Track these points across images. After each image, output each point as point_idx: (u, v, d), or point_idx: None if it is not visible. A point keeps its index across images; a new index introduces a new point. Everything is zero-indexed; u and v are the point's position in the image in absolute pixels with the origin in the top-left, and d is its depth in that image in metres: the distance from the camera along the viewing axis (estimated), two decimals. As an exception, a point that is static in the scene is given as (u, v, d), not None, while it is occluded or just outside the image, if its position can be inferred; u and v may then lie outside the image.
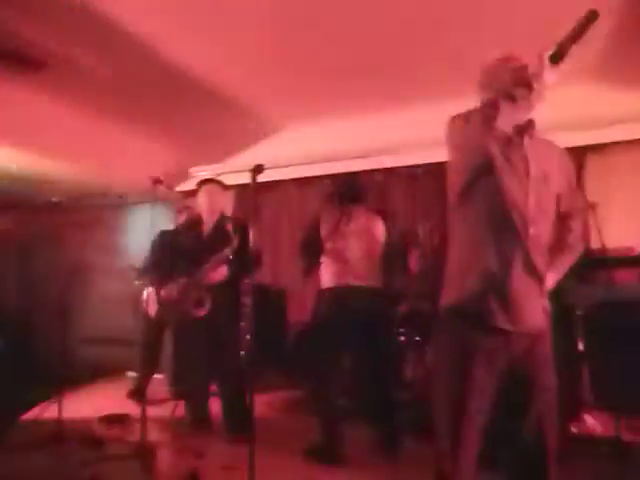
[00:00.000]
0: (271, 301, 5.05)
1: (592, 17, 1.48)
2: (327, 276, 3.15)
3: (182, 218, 4.41)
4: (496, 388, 1.65)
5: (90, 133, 4.35)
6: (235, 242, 3.31)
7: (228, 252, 3.33)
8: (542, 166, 1.68)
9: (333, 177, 4.58)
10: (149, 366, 4.34)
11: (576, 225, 1.83)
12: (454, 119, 1.67)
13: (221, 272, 3.41)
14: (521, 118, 1.68)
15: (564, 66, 1.57)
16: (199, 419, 3.55)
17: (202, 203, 3.60)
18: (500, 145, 1.65)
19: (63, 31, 2.97)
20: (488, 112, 1.58)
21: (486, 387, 1.63)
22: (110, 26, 2.93)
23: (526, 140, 1.69)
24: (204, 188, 3.61)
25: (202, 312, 3.36)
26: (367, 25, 3.06)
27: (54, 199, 4.11)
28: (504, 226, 1.63)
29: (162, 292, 3.59)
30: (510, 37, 2.67)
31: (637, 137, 4.14)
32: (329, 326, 3.06)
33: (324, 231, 3.16)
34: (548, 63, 1.53)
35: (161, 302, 3.63)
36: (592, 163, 4.35)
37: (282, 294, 5.24)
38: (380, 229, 3.23)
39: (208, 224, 3.58)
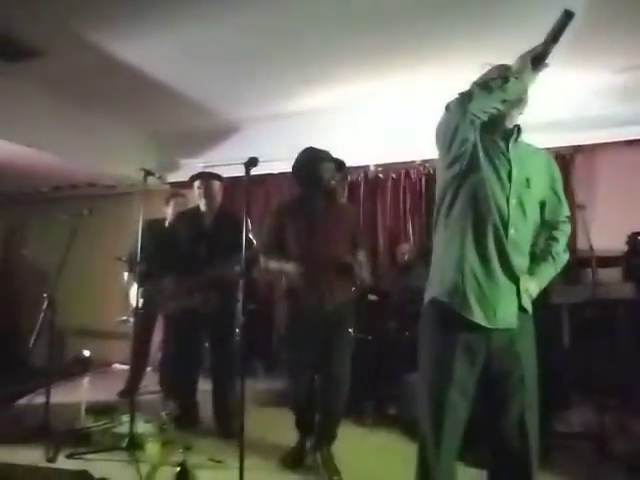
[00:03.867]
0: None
1: (568, 17, 1.48)
2: None
3: (172, 207, 4.23)
4: (476, 383, 1.69)
5: (76, 125, 4.31)
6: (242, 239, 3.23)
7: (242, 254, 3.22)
8: (525, 171, 1.72)
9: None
10: (141, 360, 4.28)
11: (561, 236, 1.85)
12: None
13: (234, 270, 3.26)
14: (507, 121, 1.73)
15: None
16: (187, 413, 3.51)
17: (200, 195, 3.48)
18: (484, 148, 1.70)
19: (50, 19, 2.94)
20: (463, 97, 1.64)
21: (466, 380, 1.67)
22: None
23: (511, 145, 1.73)
24: (201, 180, 3.50)
25: (208, 308, 3.32)
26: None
27: (43, 189, 4.08)
28: (485, 226, 1.67)
29: (165, 285, 3.49)
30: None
31: (624, 139, 4.20)
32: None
33: None
34: (530, 64, 1.57)
35: (164, 295, 3.54)
36: (580, 164, 4.41)
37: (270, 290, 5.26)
38: None
39: (208, 218, 3.49)
